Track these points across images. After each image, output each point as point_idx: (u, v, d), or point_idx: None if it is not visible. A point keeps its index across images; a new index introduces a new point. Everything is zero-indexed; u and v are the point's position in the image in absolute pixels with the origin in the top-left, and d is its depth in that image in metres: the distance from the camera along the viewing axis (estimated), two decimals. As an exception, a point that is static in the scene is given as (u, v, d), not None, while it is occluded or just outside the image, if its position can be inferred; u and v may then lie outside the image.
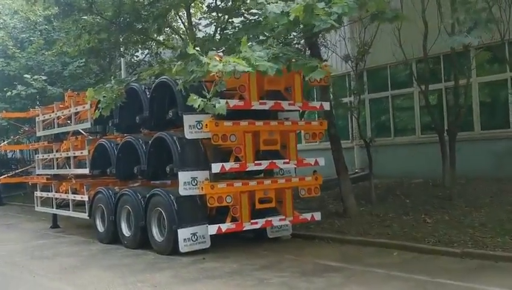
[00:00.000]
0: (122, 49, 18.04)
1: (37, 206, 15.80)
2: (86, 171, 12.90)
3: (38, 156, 15.50)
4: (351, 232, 10.62)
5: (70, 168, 14.61)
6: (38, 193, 15.65)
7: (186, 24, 16.52)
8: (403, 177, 15.76)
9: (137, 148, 10.87)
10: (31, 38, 20.74)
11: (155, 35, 16.60)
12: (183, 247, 9.76)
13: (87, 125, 12.84)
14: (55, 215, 15.65)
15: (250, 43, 8.19)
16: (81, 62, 19.69)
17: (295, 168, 10.86)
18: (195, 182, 9.77)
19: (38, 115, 15.53)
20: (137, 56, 21.36)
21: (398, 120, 17.93)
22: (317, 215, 10.44)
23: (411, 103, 17.22)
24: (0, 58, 20.53)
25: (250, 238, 10.93)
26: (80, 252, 11.23)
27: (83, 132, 14.06)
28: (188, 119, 9.60)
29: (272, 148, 9.83)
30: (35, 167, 21.15)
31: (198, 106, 7.87)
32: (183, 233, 9.76)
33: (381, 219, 11.49)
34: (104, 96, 10.67)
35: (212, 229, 9.29)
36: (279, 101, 9.66)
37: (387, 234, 10.14)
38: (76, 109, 13.26)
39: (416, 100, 16.93)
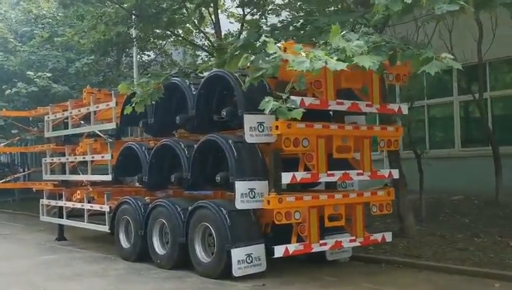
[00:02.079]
0: (136, 44, 16.45)
1: (43, 215, 14.12)
2: (109, 177, 11.33)
3: (45, 160, 13.83)
4: (423, 256, 9.21)
5: (82, 174, 13.07)
6: (44, 201, 13.98)
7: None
8: (439, 193, 14.49)
9: (179, 153, 9.36)
10: (34, 31, 19.07)
11: (179, 30, 15.12)
12: (236, 270, 8.27)
13: (111, 125, 11.27)
14: (61, 227, 14.01)
15: (342, 31, 6.77)
16: (89, 59, 18.10)
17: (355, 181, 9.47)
18: (253, 193, 8.31)
19: (46, 114, 13.88)
20: (148, 55, 19.83)
21: (434, 132, 16.68)
22: (388, 236, 9.04)
23: (450, 113, 16.00)
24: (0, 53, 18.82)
25: (302, 260, 9.47)
26: (105, 271, 9.65)
27: (101, 134, 12.50)
28: (249, 120, 8.16)
29: (345, 156, 8.43)
30: (33, 172, 19.62)
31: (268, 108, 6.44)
32: (237, 254, 8.28)
33: (449, 240, 10.16)
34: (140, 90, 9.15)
35: (279, 250, 7.82)
36: (356, 102, 8.26)
37: (469, 260, 8.78)
38: (98, 107, 11.69)
39: (456, 110, 15.70)
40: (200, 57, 17.93)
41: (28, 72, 16.84)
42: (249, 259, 8.38)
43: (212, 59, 16.20)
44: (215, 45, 15.61)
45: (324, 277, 8.50)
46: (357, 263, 9.56)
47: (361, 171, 8.48)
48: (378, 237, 8.86)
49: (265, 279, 8.36)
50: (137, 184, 12.07)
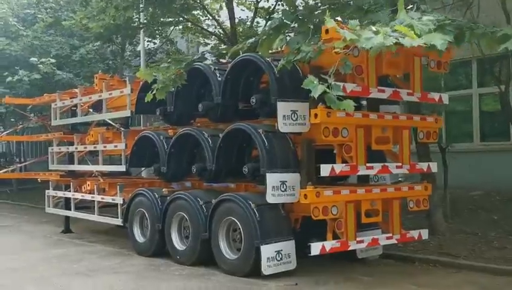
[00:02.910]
0: (144, 31, 15.79)
1: (49, 207, 13.53)
2: (122, 168, 10.76)
3: (52, 149, 13.22)
4: (460, 255, 8.72)
5: (91, 164, 12.51)
6: (50, 192, 13.39)
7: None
8: (455, 189, 14.00)
9: (202, 142, 8.80)
10: (37, 15, 18.40)
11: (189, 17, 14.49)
12: (266, 268, 7.75)
13: (126, 113, 10.70)
14: (67, 219, 13.44)
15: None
16: (95, 45, 17.47)
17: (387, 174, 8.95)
18: (285, 186, 7.78)
19: (53, 101, 13.27)
20: (154, 43, 19.21)
21: (451, 125, 16.17)
22: (425, 234, 8.52)
23: (468, 107, 15.49)
24: (1, 38, 18.10)
25: (329, 257, 8.95)
26: (121, 267, 9.10)
27: (112, 123, 11.94)
28: (283, 108, 7.61)
29: (384, 147, 7.92)
30: (34, 162, 18.99)
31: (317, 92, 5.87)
32: (267, 251, 7.76)
33: (482, 238, 9.72)
34: (162, 76, 8.60)
35: (316, 248, 7.29)
36: (398, 90, 7.73)
37: None
38: (111, 94, 11.10)
39: (475, 103, 15.19)
40: (210, 45, 17.31)
41: (32, 58, 16.17)
42: (279, 256, 7.88)
43: (223, 46, 15.64)
44: (228, 32, 15.02)
45: (359, 276, 7.99)
46: (386, 261, 9.07)
47: (400, 164, 7.96)
48: (414, 234, 8.35)
49: (296, 277, 7.86)
50: (145, 175, 11.61)
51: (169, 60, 9.38)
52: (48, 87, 18.77)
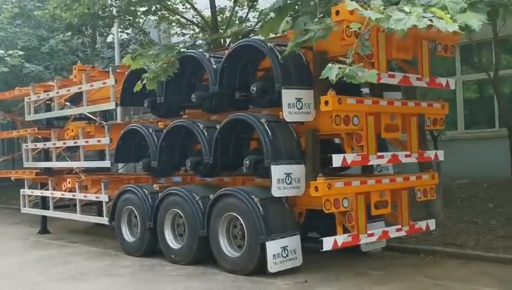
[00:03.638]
0: (118, 20, 15.11)
1: (24, 207, 12.81)
2: (107, 164, 10.19)
3: (27, 145, 12.51)
4: (466, 246, 8.47)
5: (70, 160, 11.89)
6: (26, 191, 12.67)
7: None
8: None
9: (198, 134, 8.31)
10: (2, 6, 17.48)
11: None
12: (272, 265, 7.34)
13: (110, 106, 10.11)
14: (44, 219, 12.76)
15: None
16: (66, 36, 16.67)
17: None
18: (290, 179, 7.38)
19: (26, 95, 12.54)
20: (128, 33, 18.50)
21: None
22: (432, 224, 8.24)
23: (451, 94, 15.34)
24: (-37, 29, 17.13)
25: (331, 251, 8.63)
26: (112, 269, 8.56)
27: (91, 116, 11.33)
28: (288, 96, 7.19)
29: (393, 135, 7.58)
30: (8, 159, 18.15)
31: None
32: (272, 247, 7.35)
33: (484, 227, 9.50)
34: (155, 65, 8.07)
35: (328, 243, 6.91)
36: (407, 75, 7.39)
37: (521, 248, 8.10)
38: (92, 86, 10.48)
39: (459, 91, 15.04)
40: (187, 35, 16.73)
41: (-3, 50, 15.34)
42: (285, 252, 7.48)
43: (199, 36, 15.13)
44: (208, 21, 14.50)
45: (368, 271, 7.66)
46: (390, 253, 8.77)
47: (409, 153, 7.63)
48: (422, 225, 8.05)
49: (302, 274, 7.50)
50: (124, 171, 11.07)
51: (159, 47, 8.79)
52: (14, 81, 17.92)
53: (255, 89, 7.71)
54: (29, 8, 17.59)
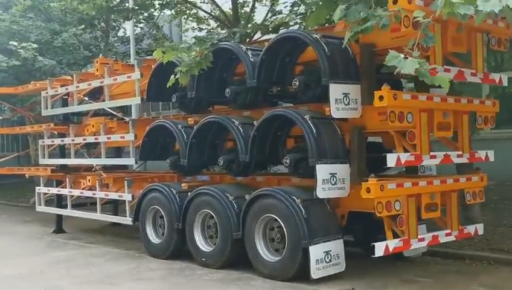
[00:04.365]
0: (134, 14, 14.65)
1: (40, 205, 12.33)
2: (132, 161, 9.74)
3: (43, 141, 12.03)
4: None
5: (87, 157, 11.44)
6: (42, 189, 12.19)
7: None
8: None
9: (233, 131, 7.85)
10: (15, -2, 17.02)
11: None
12: (315, 271, 6.89)
13: (135, 100, 9.65)
14: (60, 218, 12.30)
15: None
16: (79, 29, 16.20)
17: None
18: (334, 179, 6.92)
19: (43, 89, 12.07)
20: (142, 28, 18.05)
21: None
22: (480, 229, 7.80)
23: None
24: (-25, 21, 16.66)
25: (363, 256, 8.22)
26: (140, 273, 8.10)
27: (113, 112, 10.89)
28: (336, 90, 6.73)
29: (445, 134, 7.13)
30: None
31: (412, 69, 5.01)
32: (315, 252, 6.90)
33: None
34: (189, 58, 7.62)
35: (380, 248, 6.45)
36: (462, 70, 6.94)
37: None
38: (116, 80, 10.02)
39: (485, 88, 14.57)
40: (205, 30, 16.27)
41: (11, 42, 14.82)
42: (328, 257, 7.04)
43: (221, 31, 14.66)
44: (228, 15, 14.04)
45: (415, 278, 7.23)
46: (431, 258, 8.34)
47: (461, 153, 7.19)
48: (471, 229, 7.61)
49: (346, 281, 7.05)
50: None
51: (193, 38, 8.34)
52: (25, 76, 17.44)
53: (297, 83, 7.25)
54: (39, 1, 17.08)
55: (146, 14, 16.50)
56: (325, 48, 6.82)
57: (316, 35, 6.96)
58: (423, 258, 8.30)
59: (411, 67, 4.82)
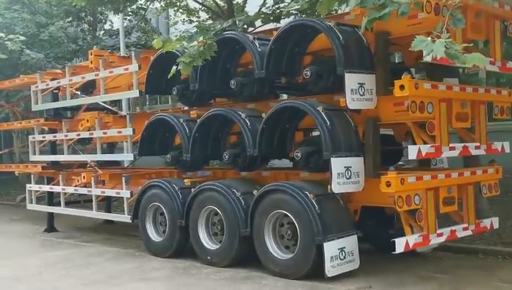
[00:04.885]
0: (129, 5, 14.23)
1: (30, 203, 11.91)
2: (130, 157, 9.38)
3: (33, 137, 11.60)
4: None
5: (81, 153, 11.06)
6: (33, 186, 11.77)
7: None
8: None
9: (240, 125, 7.55)
10: (-1, -10, 16.50)
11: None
12: (330, 269, 6.62)
13: (133, 94, 9.28)
14: (51, 216, 11.90)
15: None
16: (67, 22, 15.73)
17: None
18: (349, 173, 6.65)
19: (32, 83, 11.64)
20: (130, 20, 17.61)
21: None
22: (496, 222, 7.61)
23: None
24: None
25: (373, 252, 8.04)
26: (143, 272, 7.77)
27: (108, 107, 10.54)
28: (351, 80, 6.46)
29: (463, 125, 6.90)
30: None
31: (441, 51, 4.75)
32: (330, 248, 6.64)
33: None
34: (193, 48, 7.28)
35: (400, 244, 6.21)
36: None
37: None
38: (112, 72, 9.64)
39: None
40: (195, 23, 15.85)
41: (-1, 34, 14.34)
42: (342, 254, 6.78)
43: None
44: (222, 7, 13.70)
45: (432, 274, 7.00)
46: (443, 253, 8.12)
47: (478, 145, 6.97)
48: (487, 223, 7.41)
49: (362, 278, 6.81)
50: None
51: (195, 27, 8.00)
52: (9, 70, 16.94)
53: (308, 73, 6.95)
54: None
55: (134, 7, 16.06)
56: (340, 35, 6.53)
57: (329, 23, 6.67)
58: (434, 253, 8.09)
59: (440, 50, 4.53)
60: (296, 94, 8.15)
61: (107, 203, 12.03)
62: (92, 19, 17.68)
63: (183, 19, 16.17)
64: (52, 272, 7.95)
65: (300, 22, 7.21)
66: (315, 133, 8.11)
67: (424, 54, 4.80)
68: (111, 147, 12.21)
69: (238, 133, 8.39)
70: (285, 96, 9.00)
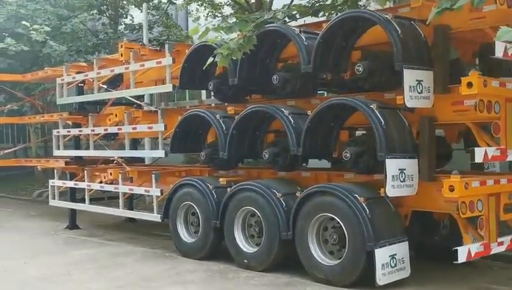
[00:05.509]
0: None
1: (53, 199, 11.55)
2: (161, 153, 9.01)
3: (58, 132, 11.24)
4: None
5: (107, 148, 10.72)
6: (56, 182, 11.41)
7: None
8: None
9: (283, 122, 7.15)
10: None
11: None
12: (381, 277, 6.23)
13: (167, 88, 8.90)
14: (74, 213, 11.54)
15: None
16: (91, 14, 15.39)
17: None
18: (403, 176, 6.25)
19: (58, 75, 11.29)
20: (153, 14, 17.25)
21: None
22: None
23: None
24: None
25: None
26: (178, 275, 7.40)
27: (137, 101, 10.18)
28: (410, 77, 6.05)
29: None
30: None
31: None
32: (381, 255, 6.23)
33: None
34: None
35: (463, 253, 5.80)
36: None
37: None
38: (143, 66, 9.27)
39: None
40: (219, 18, 15.49)
41: (23, 22, 13.97)
42: (393, 261, 6.38)
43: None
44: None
45: (491, 286, 6.61)
46: (491, 262, 7.69)
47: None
48: (542, 231, 6.96)
49: (414, 288, 6.38)
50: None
51: (235, 17, 7.60)
52: (28, 63, 16.66)
53: (361, 69, 6.54)
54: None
55: (156, 1, 15.74)
56: (398, 29, 6.12)
57: (386, 15, 6.26)
58: (484, 262, 7.65)
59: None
60: (339, 92, 7.74)
61: (129, 201, 11.68)
62: (113, 13, 17.30)
63: (207, 13, 15.77)
64: (82, 273, 7.58)
65: (354, 14, 6.79)
66: (358, 133, 7.74)
67: (496, 50, 4.42)
68: (134, 143, 11.86)
69: (276, 131, 8.04)
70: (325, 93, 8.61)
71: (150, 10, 17.07)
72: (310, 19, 10.09)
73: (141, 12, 17.69)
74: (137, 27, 17.86)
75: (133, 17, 18.70)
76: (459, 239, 7.09)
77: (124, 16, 18.61)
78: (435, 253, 7.61)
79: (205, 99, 11.15)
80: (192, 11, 17.70)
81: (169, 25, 17.49)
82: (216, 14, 15.83)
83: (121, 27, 18.00)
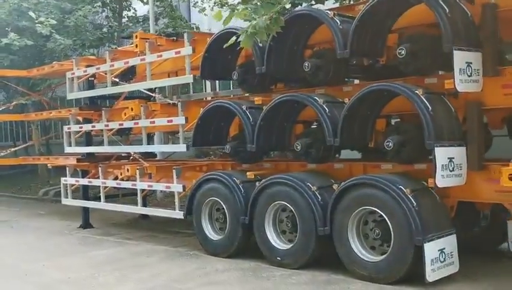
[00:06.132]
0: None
1: (66, 197, 11.13)
2: (183, 148, 8.60)
3: (69, 128, 10.81)
4: None
5: (121, 144, 10.31)
6: (68, 180, 10.98)
7: None
8: None
9: (318, 111, 6.75)
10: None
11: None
12: (430, 273, 5.85)
13: (188, 79, 8.47)
14: (87, 211, 11.13)
15: None
16: (95, 6, 14.94)
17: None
18: (452, 165, 5.87)
19: (67, 69, 10.85)
20: (158, 6, 16.79)
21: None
22: None
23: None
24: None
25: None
26: (208, 275, 7.00)
27: (152, 94, 9.76)
28: (460, 59, 5.66)
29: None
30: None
31: None
32: (430, 250, 5.86)
33: None
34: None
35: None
36: None
37: None
38: (161, 56, 8.84)
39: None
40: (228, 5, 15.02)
41: (30, 13, 13.51)
42: (442, 256, 6.01)
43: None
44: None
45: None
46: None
47: None
48: None
49: (466, 284, 6.04)
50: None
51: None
52: (31, 59, 16.20)
53: (403, 52, 6.14)
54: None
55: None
56: (446, 7, 5.72)
57: (435, -6, 5.86)
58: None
59: None
60: (373, 78, 7.33)
61: (144, 197, 11.26)
62: (117, 6, 16.83)
63: (214, 2, 15.31)
64: (106, 274, 7.19)
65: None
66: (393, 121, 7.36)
67: None
68: (148, 137, 11.45)
69: (304, 121, 7.66)
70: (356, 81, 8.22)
71: (155, 2, 16.63)
72: (329, 4, 9.70)
73: (144, 5, 17.36)
74: (140, 20, 17.43)
75: (136, 10, 18.25)
76: (499, 230, 6.82)
77: (127, 8, 18.15)
78: (477, 245, 7.26)
79: (220, 91, 10.78)
80: (197, 1, 17.27)
81: (174, 17, 17.02)
82: (223, 3, 15.33)
83: (124, 20, 17.53)
